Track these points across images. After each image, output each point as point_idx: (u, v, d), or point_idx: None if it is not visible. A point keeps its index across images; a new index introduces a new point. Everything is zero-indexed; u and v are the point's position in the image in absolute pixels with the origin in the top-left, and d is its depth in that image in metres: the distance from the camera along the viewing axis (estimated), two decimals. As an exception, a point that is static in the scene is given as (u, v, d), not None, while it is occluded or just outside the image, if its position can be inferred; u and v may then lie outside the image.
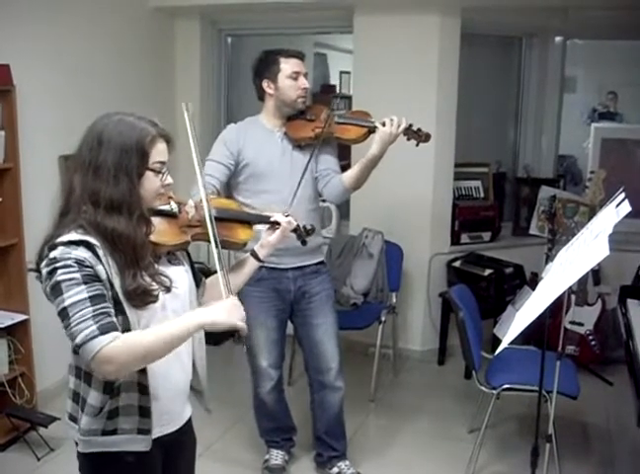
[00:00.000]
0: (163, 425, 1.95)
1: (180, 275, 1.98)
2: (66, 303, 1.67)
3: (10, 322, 3.71)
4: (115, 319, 1.71)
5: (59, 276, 1.68)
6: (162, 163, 1.84)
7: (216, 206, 2.15)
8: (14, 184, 3.70)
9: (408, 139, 3.21)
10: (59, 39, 4.13)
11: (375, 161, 3.17)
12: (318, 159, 3.25)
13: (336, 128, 3.23)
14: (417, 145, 3.23)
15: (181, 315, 1.94)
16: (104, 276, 1.73)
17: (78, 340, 1.66)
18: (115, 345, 1.66)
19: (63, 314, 1.68)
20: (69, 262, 1.69)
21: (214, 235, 1.95)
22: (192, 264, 2.10)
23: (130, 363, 1.72)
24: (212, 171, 3.11)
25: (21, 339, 3.80)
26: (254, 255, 2.22)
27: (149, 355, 1.74)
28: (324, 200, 3.55)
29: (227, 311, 1.81)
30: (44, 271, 1.72)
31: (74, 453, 1.95)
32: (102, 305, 1.69)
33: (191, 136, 1.98)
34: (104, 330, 1.66)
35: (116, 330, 1.69)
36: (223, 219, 2.14)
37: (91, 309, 1.67)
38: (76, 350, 1.70)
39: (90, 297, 1.68)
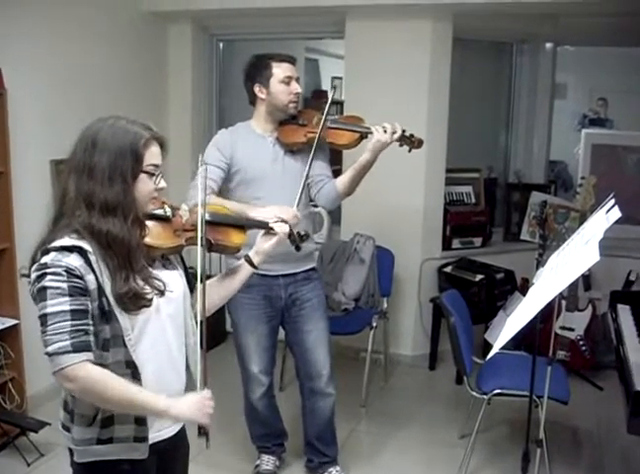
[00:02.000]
0: (158, 431, 1.95)
1: (174, 279, 1.98)
2: (47, 311, 1.68)
3: (0, 327, 3.70)
4: (91, 338, 1.71)
5: (47, 281, 1.69)
6: (156, 166, 1.85)
7: (210, 211, 2.15)
8: (5, 188, 3.69)
9: (400, 145, 3.21)
10: (51, 44, 4.12)
11: (367, 167, 3.17)
12: (311, 164, 3.24)
13: (328, 133, 3.21)
14: (409, 151, 3.22)
15: (176, 320, 1.94)
16: (93, 285, 1.73)
17: (50, 349, 1.67)
18: (83, 368, 1.67)
19: (43, 320, 1.69)
20: (59, 269, 1.69)
21: (202, 239, 1.95)
22: (186, 270, 2.10)
23: (88, 393, 1.72)
24: (209, 174, 3.08)
25: (11, 343, 3.79)
26: (249, 261, 2.22)
27: (105, 400, 1.74)
28: (315, 206, 3.55)
29: (195, 407, 1.82)
30: (34, 274, 1.73)
31: (65, 459, 1.95)
32: (81, 321, 1.69)
33: (200, 188, 2.00)
34: (77, 348, 1.66)
35: (89, 350, 1.69)
36: (217, 223, 2.14)
37: (69, 323, 1.67)
38: (47, 356, 1.69)
39: (71, 311, 1.68)
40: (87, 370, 1.67)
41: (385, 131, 3.09)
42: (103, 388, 1.70)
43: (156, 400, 1.78)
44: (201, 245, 1.95)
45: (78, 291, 1.70)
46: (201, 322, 1.96)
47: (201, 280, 1.95)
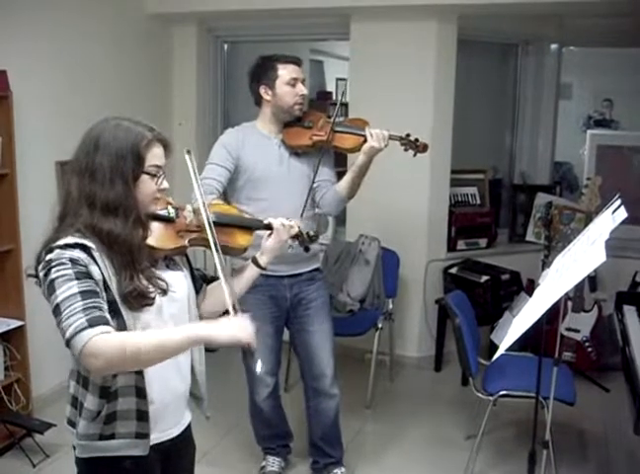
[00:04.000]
0: (162, 430, 1.95)
1: (178, 279, 1.98)
2: (59, 299, 1.67)
3: (6, 328, 3.71)
4: (106, 314, 1.70)
5: (53, 273, 1.69)
6: (158, 167, 1.85)
7: (216, 211, 2.14)
8: (10, 189, 3.69)
9: (405, 150, 3.20)
10: (56, 46, 4.13)
11: (364, 169, 3.17)
12: (318, 171, 3.23)
13: (334, 137, 3.21)
14: (414, 155, 3.21)
15: (180, 320, 1.94)
16: (98, 276, 1.73)
17: (68, 333, 1.64)
18: (103, 338, 1.63)
19: (56, 311, 1.68)
20: (63, 260, 1.70)
21: (214, 241, 1.95)
22: (191, 270, 2.10)
23: (117, 361, 1.67)
24: (214, 174, 3.09)
25: (17, 345, 3.80)
26: (255, 262, 2.21)
27: (137, 357, 1.69)
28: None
29: (232, 327, 1.77)
30: (41, 273, 1.73)
31: (70, 459, 1.95)
32: (92, 299, 1.68)
33: (194, 179, 1.99)
34: (93, 322, 1.64)
35: (106, 323, 1.67)
36: (222, 224, 2.13)
37: (81, 303, 1.66)
38: (67, 345, 1.67)
39: (81, 292, 1.67)
40: (105, 340, 1.63)
41: (372, 137, 3.08)
42: (129, 349, 1.65)
43: (182, 335, 1.72)
44: (211, 247, 1.95)
45: (84, 275, 1.70)
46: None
47: (222, 271, 1.93)
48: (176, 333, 1.74)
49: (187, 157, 1.97)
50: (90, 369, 1.73)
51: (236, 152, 3.18)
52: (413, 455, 3.87)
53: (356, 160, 3.17)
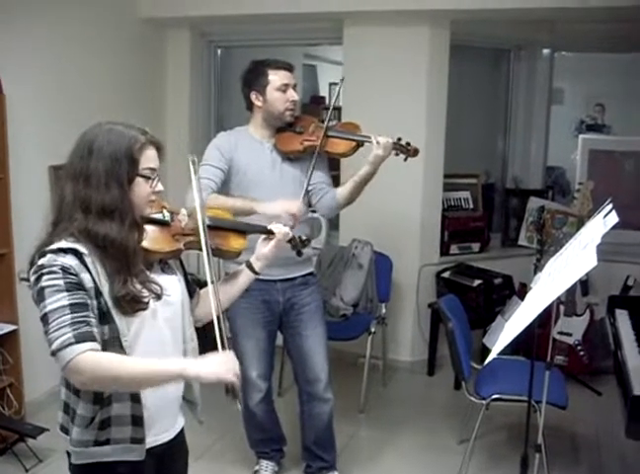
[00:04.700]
0: (156, 435, 1.95)
1: (172, 283, 1.98)
2: (47, 309, 1.68)
3: (-1, 332, 3.71)
4: (94, 329, 1.70)
5: (44, 281, 1.70)
6: (152, 169, 1.86)
7: (210, 215, 2.15)
8: (4, 193, 3.69)
9: (396, 154, 3.19)
10: (50, 50, 4.13)
11: (368, 179, 3.19)
12: (311, 175, 3.24)
13: (326, 142, 3.22)
14: (405, 160, 3.21)
15: (173, 324, 1.94)
16: (89, 284, 1.73)
17: (54, 346, 1.66)
18: (88, 356, 1.65)
19: (44, 320, 1.69)
20: (55, 268, 1.70)
21: (207, 247, 1.95)
22: (185, 274, 2.11)
23: (100, 381, 1.71)
24: (209, 174, 3.09)
25: (9, 349, 3.79)
26: (250, 267, 2.22)
27: (119, 381, 1.72)
28: (314, 211, 3.56)
29: (217, 364, 1.78)
30: (32, 277, 1.74)
31: (63, 464, 1.95)
32: (81, 313, 1.69)
33: (195, 188, 2.00)
34: (80, 338, 1.66)
35: (93, 340, 1.68)
36: (217, 228, 2.14)
37: (69, 317, 1.67)
38: (52, 355, 1.68)
39: (70, 305, 1.68)
40: (92, 358, 1.66)
41: (378, 145, 3.10)
42: (114, 371, 1.69)
43: (167, 369, 1.75)
44: (205, 243, 1.96)
45: (75, 286, 1.70)
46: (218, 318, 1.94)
47: (212, 281, 1.95)
48: (163, 366, 1.75)
49: (191, 166, 1.98)
50: (74, 383, 1.75)
51: (229, 154, 3.18)
52: (406, 460, 3.87)
53: (360, 171, 3.18)
